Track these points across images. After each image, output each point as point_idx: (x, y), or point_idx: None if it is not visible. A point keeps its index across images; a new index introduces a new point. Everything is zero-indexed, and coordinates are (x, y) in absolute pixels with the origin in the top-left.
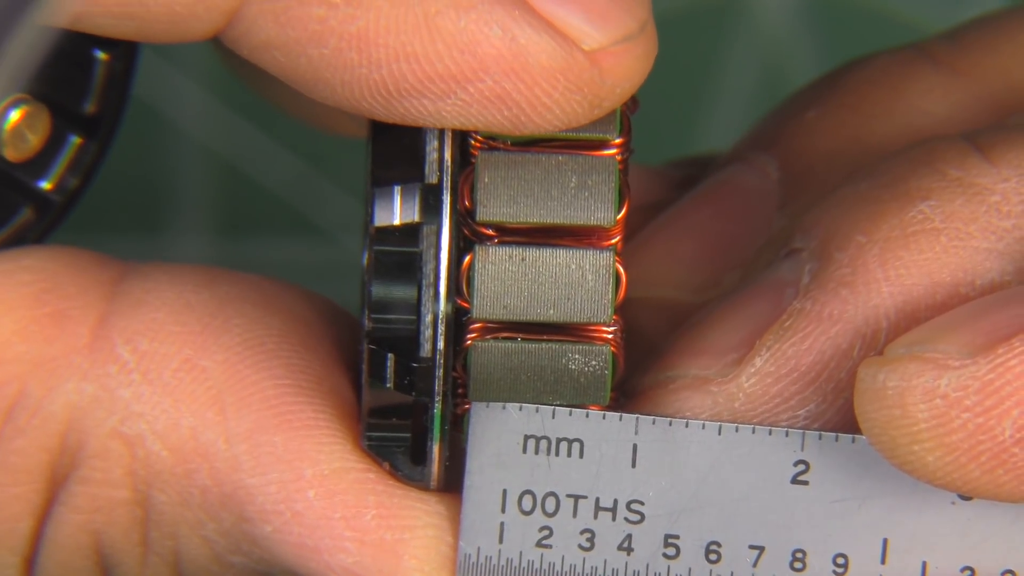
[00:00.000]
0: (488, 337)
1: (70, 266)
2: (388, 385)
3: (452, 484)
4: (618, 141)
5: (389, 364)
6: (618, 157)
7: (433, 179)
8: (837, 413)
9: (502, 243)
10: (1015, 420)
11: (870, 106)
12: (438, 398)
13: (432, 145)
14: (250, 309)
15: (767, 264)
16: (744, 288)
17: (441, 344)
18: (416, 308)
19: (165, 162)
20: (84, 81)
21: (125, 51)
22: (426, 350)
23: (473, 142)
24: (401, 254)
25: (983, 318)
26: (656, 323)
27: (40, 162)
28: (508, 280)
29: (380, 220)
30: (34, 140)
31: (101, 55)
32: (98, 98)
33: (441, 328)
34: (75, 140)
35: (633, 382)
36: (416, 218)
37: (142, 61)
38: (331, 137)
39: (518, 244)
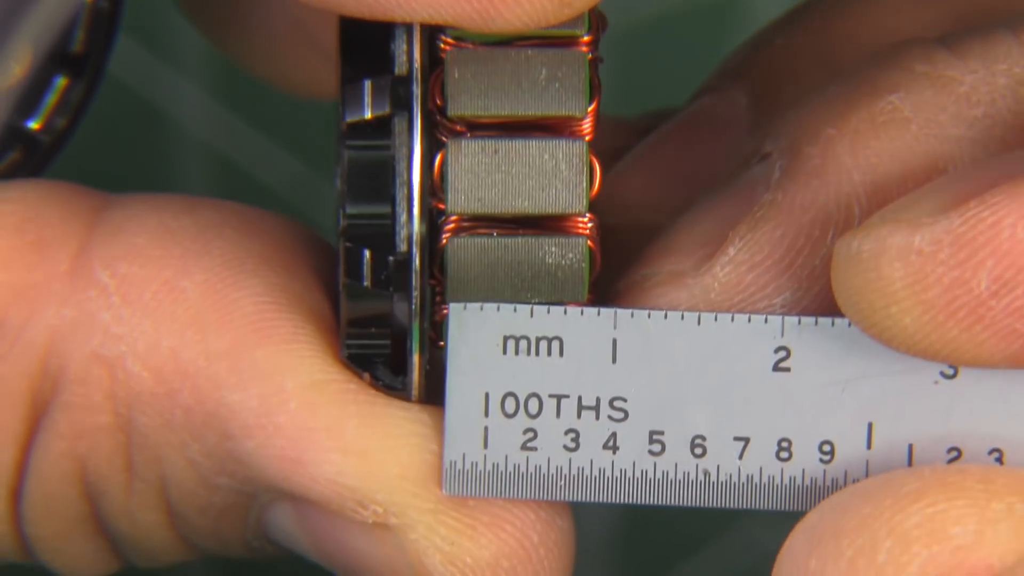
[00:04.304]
0: (464, 234)
1: (52, 197)
2: (365, 283)
3: (433, 397)
4: (587, 39)
5: (366, 261)
6: (588, 54)
7: (403, 70)
8: (813, 300)
9: (475, 137)
10: (990, 271)
11: (837, 29)
12: (415, 292)
13: (401, 48)
14: (231, 233)
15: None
16: (716, 191)
17: (416, 231)
18: (391, 203)
19: (165, 162)
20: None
21: None
22: (402, 238)
23: (442, 45)
24: (374, 147)
25: (955, 183)
26: (633, 247)
27: (27, 102)
28: (482, 173)
29: (351, 116)
30: (17, 69)
31: None
32: (84, 38)
33: (416, 214)
34: (61, 80)
35: (609, 288)
36: (387, 110)
37: (142, 62)
38: (331, 138)
39: (491, 137)
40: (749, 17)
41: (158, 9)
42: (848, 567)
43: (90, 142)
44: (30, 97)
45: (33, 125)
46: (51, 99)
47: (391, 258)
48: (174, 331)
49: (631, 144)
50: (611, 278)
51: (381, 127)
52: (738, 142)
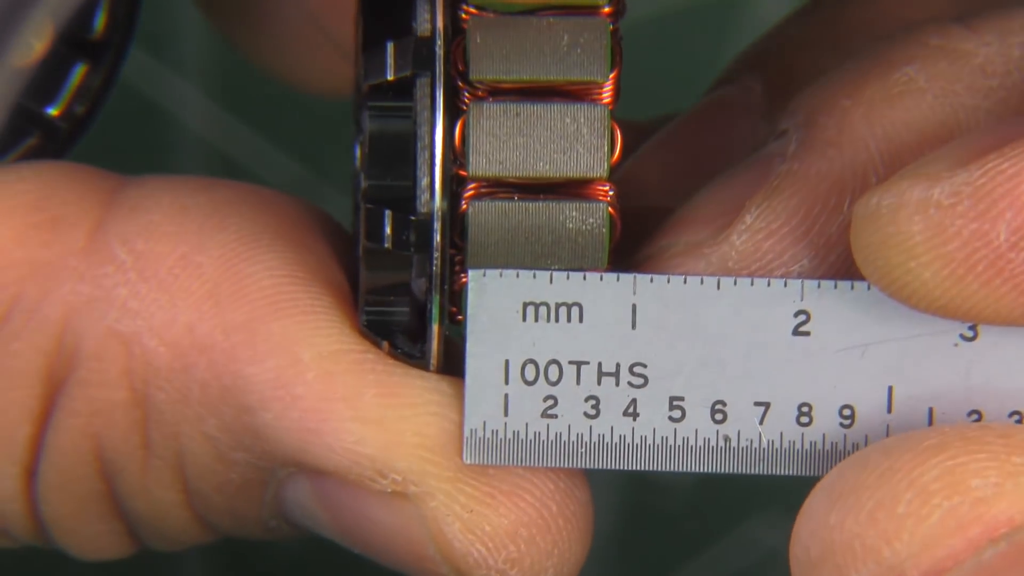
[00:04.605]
0: (484, 198)
1: (68, 177)
2: (386, 245)
3: (453, 366)
4: (607, 9)
5: (387, 221)
6: (609, 24)
7: (426, 32)
8: (830, 269)
9: (496, 101)
10: (1009, 223)
11: (852, 19)
12: (437, 253)
13: (424, 16)
14: (246, 210)
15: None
16: (734, 167)
17: (439, 191)
18: (412, 167)
19: (165, 162)
20: (90, 7)
21: None
22: (423, 202)
23: (463, 15)
24: (394, 110)
25: (975, 139)
26: (650, 230)
27: (47, 88)
28: (503, 136)
29: (372, 79)
30: (38, 46)
31: None
32: (104, 25)
33: (438, 173)
34: (81, 67)
35: (627, 261)
36: (409, 72)
37: (142, 62)
38: (331, 138)
39: (512, 101)
40: (749, 17)
41: (159, 10)
42: (868, 520)
43: (90, 142)
44: (50, 83)
45: (52, 111)
46: (71, 85)
47: (413, 217)
48: (190, 306)
49: (633, 143)
50: (628, 258)
51: (402, 90)
52: (754, 127)
